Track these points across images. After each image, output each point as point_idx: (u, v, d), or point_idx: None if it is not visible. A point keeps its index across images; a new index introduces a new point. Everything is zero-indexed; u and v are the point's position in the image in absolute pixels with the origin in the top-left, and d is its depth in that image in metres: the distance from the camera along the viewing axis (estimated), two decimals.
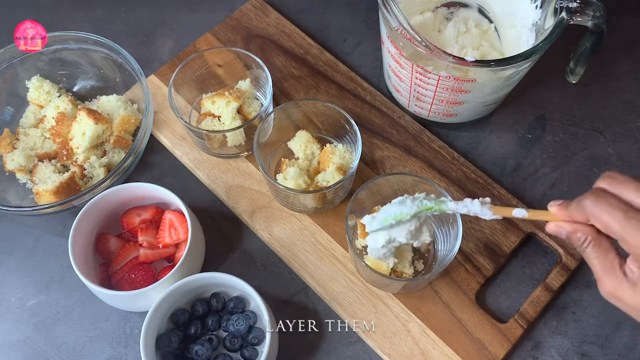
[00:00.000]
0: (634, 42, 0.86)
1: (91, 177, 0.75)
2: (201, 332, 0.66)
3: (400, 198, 0.60)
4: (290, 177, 0.69)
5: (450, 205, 0.57)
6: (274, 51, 0.85)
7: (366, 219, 0.62)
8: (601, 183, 0.46)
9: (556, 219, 0.49)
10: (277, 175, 0.71)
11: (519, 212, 0.52)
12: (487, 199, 0.55)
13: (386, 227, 0.60)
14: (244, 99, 0.76)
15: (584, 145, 0.79)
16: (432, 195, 0.60)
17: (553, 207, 0.49)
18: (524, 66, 0.67)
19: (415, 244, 0.62)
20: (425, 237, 0.62)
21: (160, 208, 0.71)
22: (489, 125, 0.81)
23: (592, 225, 0.47)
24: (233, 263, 0.73)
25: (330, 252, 0.71)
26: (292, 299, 0.70)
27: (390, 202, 0.64)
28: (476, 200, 0.55)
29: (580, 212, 0.47)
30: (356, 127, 0.70)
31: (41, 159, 0.76)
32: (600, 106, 0.82)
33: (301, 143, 0.73)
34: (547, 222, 0.50)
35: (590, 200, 0.45)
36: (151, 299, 0.63)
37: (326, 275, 0.70)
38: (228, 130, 0.71)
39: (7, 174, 0.76)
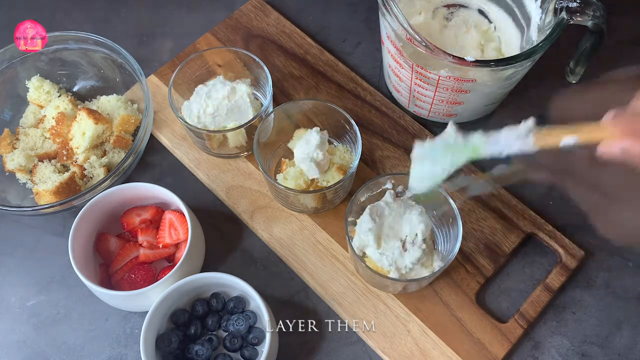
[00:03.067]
0: (634, 42, 0.86)
1: (91, 177, 0.75)
2: (201, 332, 0.66)
3: (426, 148, 0.51)
4: (290, 177, 0.69)
5: (487, 152, 0.47)
6: (274, 51, 0.85)
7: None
8: None
9: (612, 137, 0.41)
10: (277, 175, 0.71)
11: (569, 140, 0.43)
12: (529, 123, 0.46)
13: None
14: None
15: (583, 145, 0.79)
16: (458, 133, 0.49)
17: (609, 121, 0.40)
18: (524, 66, 0.67)
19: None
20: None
21: (160, 208, 0.71)
22: (489, 125, 0.81)
23: None
24: (233, 263, 0.73)
25: (330, 252, 0.71)
26: (292, 299, 0.70)
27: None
28: (512, 133, 0.46)
29: None
30: (356, 127, 0.70)
31: (41, 159, 0.76)
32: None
33: None
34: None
35: None
36: (151, 299, 0.63)
37: (326, 275, 0.70)
38: (228, 130, 0.71)
39: (7, 174, 0.76)
